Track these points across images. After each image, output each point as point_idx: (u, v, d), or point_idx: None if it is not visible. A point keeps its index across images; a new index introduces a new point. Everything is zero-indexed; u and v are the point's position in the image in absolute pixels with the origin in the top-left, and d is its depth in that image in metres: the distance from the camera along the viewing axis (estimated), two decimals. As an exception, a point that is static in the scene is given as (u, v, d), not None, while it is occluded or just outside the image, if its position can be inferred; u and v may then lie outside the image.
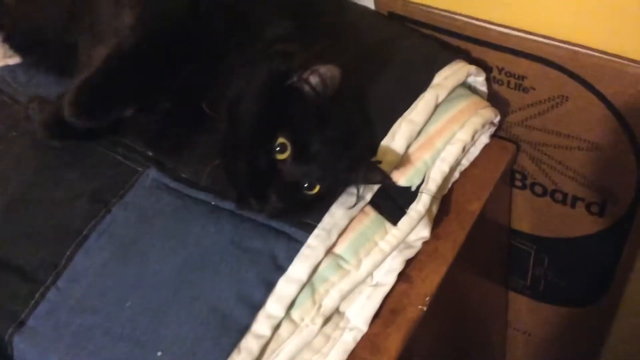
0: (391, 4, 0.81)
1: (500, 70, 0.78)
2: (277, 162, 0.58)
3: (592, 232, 0.89)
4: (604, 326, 1.06)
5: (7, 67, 0.81)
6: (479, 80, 0.76)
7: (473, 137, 0.72)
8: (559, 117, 0.78)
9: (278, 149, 0.58)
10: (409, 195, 0.67)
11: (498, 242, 0.99)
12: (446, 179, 0.72)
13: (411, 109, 0.70)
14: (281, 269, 0.61)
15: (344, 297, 0.64)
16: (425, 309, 0.67)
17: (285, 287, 0.61)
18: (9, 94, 0.78)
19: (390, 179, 0.65)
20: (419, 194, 0.68)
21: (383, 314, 0.66)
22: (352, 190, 0.64)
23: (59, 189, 0.67)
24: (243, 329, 0.59)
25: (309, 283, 0.62)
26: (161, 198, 0.66)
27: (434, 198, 0.69)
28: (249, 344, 0.59)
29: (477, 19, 0.75)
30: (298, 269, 0.61)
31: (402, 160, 0.68)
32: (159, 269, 0.61)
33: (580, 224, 0.89)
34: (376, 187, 0.66)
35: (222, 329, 0.59)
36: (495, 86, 0.80)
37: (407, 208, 0.67)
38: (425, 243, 0.69)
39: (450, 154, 0.70)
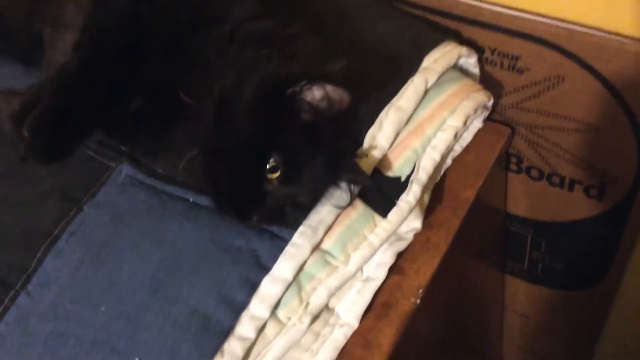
0: (378, -17, 0.78)
1: (492, 51, 0.75)
2: (264, 181, 0.57)
3: (590, 216, 0.87)
4: (602, 309, 1.05)
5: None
6: (470, 62, 0.73)
7: (465, 122, 0.70)
8: (555, 98, 0.76)
9: (269, 169, 0.56)
10: (398, 186, 0.65)
11: (494, 227, 0.97)
12: (438, 166, 0.69)
13: (399, 95, 0.67)
14: (265, 269, 0.59)
15: (332, 294, 0.61)
16: (418, 301, 0.65)
17: (270, 287, 0.58)
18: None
19: (370, 181, 0.63)
20: (409, 184, 0.65)
21: (375, 308, 0.64)
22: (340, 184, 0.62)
23: (26, 188, 0.64)
24: (225, 332, 0.56)
25: (294, 281, 0.60)
26: (135, 195, 0.63)
27: (425, 187, 0.67)
28: (233, 347, 0.56)
29: (467, -3, 0.73)
30: (283, 268, 0.59)
31: (391, 149, 0.66)
32: (135, 271, 0.58)
33: (578, 207, 0.87)
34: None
35: (203, 332, 0.56)
36: (488, 67, 0.77)
37: (397, 199, 0.64)
38: (417, 234, 0.67)
39: (441, 140, 0.68)
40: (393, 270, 0.65)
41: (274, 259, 0.59)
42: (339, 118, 0.57)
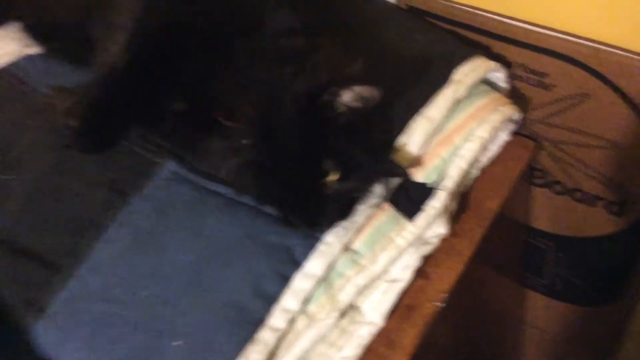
0: (411, -2, 0.81)
1: (521, 67, 0.77)
2: (324, 186, 0.60)
3: (610, 232, 0.88)
4: (620, 326, 1.05)
5: (27, 57, 0.81)
6: (499, 76, 0.75)
7: (492, 134, 0.72)
8: (580, 115, 0.77)
9: (325, 174, 0.59)
10: (425, 192, 0.67)
11: (515, 239, 0.98)
12: (465, 175, 0.71)
13: (429, 106, 0.69)
14: (297, 264, 0.61)
15: (359, 292, 0.64)
16: (441, 305, 0.67)
17: (301, 281, 0.61)
18: (29, 84, 0.78)
19: (407, 173, 0.65)
20: (436, 191, 0.67)
21: (399, 310, 0.66)
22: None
23: (77, 178, 0.68)
24: (258, 322, 0.59)
25: (324, 277, 0.62)
26: (178, 190, 0.66)
27: (452, 195, 0.69)
28: (265, 335, 0.59)
29: (498, 15, 0.75)
30: (314, 264, 0.61)
31: (419, 157, 0.68)
32: (175, 261, 0.62)
33: (599, 223, 0.88)
34: (393, 183, 0.66)
35: (238, 321, 0.59)
36: (516, 82, 0.79)
37: (424, 204, 0.67)
38: (442, 240, 0.69)
39: (468, 151, 0.70)
40: (418, 274, 0.67)
41: (306, 254, 0.62)
42: (371, 116, 0.60)
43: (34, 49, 0.82)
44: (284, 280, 0.61)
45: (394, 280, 0.66)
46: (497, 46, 0.77)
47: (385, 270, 0.65)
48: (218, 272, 0.61)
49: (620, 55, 0.69)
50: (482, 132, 0.70)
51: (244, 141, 0.59)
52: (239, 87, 0.61)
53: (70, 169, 0.69)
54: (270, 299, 0.60)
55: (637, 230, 0.85)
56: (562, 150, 0.83)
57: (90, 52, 0.72)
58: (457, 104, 0.71)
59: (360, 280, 0.63)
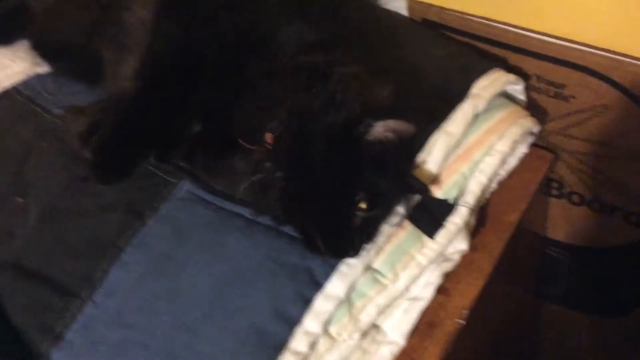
0: (425, 10, 0.80)
1: (539, 79, 0.77)
2: (354, 217, 0.59)
3: (629, 242, 0.87)
4: (638, 336, 1.04)
5: (37, 77, 0.81)
6: (517, 88, 0.75)
7: (512, 148, 0.71)
8: (599, 126, 0.77)
9: (358, 205, 0.59)
10: (446, 208, 0.66)
11: (533, 251, 0.98)
12: (484, 190, 0.70)
13: (449, 121, 0.69)
14: (318, 285, 0.61)
15: (381, 312, 0.63)
16: (463, 322, 0.66)
17: (323, 303, 0.60)
18: (40, 103, 0.78)
19: (429, 190, 0.65)
20: (456, 207, 0.66)
21: (420, 327, 0.65)
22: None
23: (90, 200, 0.67)
24: (280, 346, 0.58)
25: (346, 298, 0.61)
26: (196, 211, 0.65)
27: (471, 210, 0.68)
28: None
29: (515, 27, 0.74)
30: (335, 285, 0.61)
31: (440, 173, 0.67)
32: (195, 283, 0.61)
33: (617, 233, 0.87)
34: (414, 200, 0.65)
35: (260, 344, 0.58)
36: (534, 94, 0.79)
37: (445, 221, 0.66)
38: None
39: (488, 165, 0.69)
40: (438, 290, 0.66)
41: (327, 275, 0.61)
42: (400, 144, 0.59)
43: (43, 68, 0.81)
44: (306, 302, 0.60)
45: (415, 299, 0.65)
46: (515, 58, 0.77)
47: (406, 289, 0.64)
48: (239, 294, 0.60)
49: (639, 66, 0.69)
50: (502, 146, 0.70)
51: (267, 164, 0.59)
52: (258, 108, 0.60)
53: (83, 191, 0.68)
54: (292, 322, 0.59)
55: (656, 240, 0.84)
56: (580, 161, 0.82)
57: (99, 71, 0.72)
58: (475, 118, 0.70)
59: (382, 300, 0.62)
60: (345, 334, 0.60)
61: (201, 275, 0.61)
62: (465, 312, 0.66)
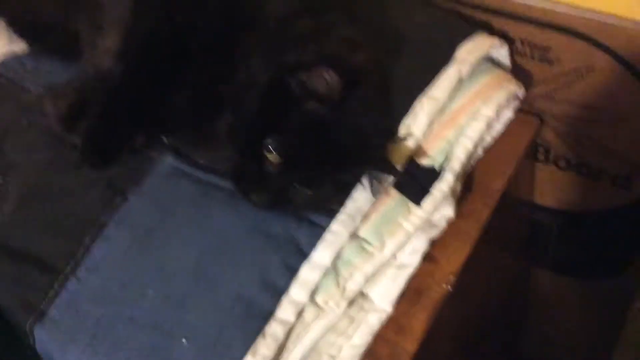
0: (408, -24, 0.79)
1: (523, 42, 0.76)
2: (264, 162, 0.58)
3: (616, 206, 0.87)
4: (627, 299, 1.05)
5: (15, 56, 0.80)
6: (501, 53, 0.74)
7: (498, 112, 0.70)
8: (584, 89, 0.76)
9: (266, 149, 0.57)
10: (432, 175, 0.66)
11: (520, 217, 0.98)
12: (471, 156, 0.70)
13: (433, 85, 0.68)
14: (304, 255, 0.60)
15: (368, 280, 0.63)
16: (450, 288, 0.66)
17: (309, 272, 0.60)
18: (18, 82, 0.77)
19: (398, 173, 0.64)
20: (442, 173, 0.66)
21: (407, 294, 0.65)
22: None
23: (72, 178, 0.66)
24: (267, 315, 0.58)
25: (332, 266, 0.61)
26: (179, 185, 0.64)
27: (457, 176, 0.68)
28: (274, 329, 0.58)
29: (498, -10, 0.73)
30: (321, 254, 0.60)
31: (425, 139, 0.67)
32: (180, 257, 0.60)
33: (605, 197, 0.87)
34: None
35: (246, 315, 0.58)
36: (518, 58, 0.78)
37: (431, 187, 0.65)
38: (448, 222, 0.68)
39: (474, 130, 0.68)
40: (425, 257, 0.66)
41: (313, 245, 0.61)
42: (361, 111, 0.58)
43: (20, 46, 0.80)
44: (292, 271, 0.60)
45: (402, 266, 0.65)
46: (498, 22, 0.76)
47: (393, 256, 0.64)
48: (225, 266, 0.60)
49: (625, 27, 0.68)
50: (488, 110, 0.69)
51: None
52: (249, 75, 0.60)
53: (64, 168, 0.67)
54: (278, 292, 0.59)
55: (643, 202, 0.84)
56: (566, 125, 0.82)
57: (78, 48, 0.71)
58: (460, 83, 0.69)
59: (369, 268, 0.62)
60: (332, 302, 0.60)
61: (186, 249, 0.61)
62: (452, 277, 0.66)
